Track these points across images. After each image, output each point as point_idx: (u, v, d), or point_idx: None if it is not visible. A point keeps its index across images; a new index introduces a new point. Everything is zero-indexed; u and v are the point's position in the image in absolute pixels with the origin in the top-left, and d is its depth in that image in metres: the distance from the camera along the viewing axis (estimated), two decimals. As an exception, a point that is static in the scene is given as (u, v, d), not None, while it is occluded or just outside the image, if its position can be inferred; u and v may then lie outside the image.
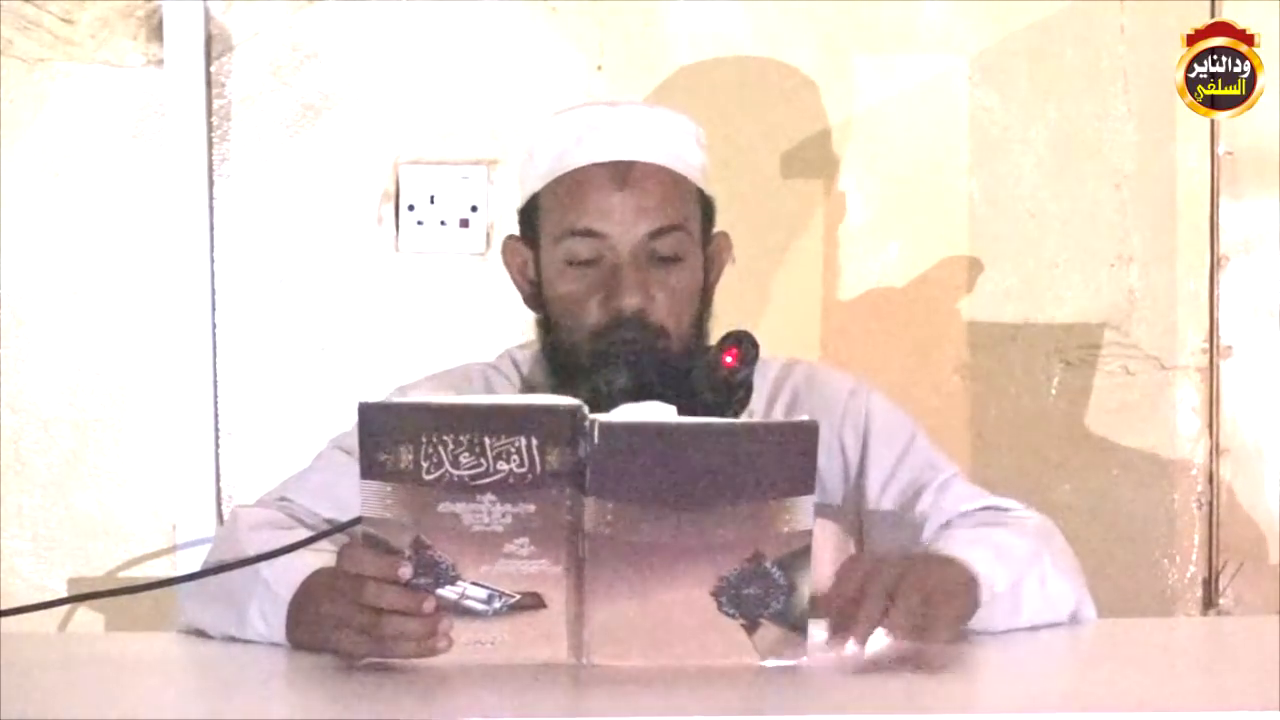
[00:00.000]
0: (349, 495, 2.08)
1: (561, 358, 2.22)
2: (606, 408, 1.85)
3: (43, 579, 2.82)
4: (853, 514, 2.24)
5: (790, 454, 1.78)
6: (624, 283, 2.17)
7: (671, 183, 2.22)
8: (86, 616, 2.72)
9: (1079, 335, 2.89)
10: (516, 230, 2.29)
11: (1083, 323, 2.89)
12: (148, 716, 1.70)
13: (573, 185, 2.21)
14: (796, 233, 2.87)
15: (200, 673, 1.98)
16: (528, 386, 2.29)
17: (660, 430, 1.79)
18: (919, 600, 1.83)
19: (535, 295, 2.26)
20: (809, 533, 1.79)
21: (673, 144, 2.23)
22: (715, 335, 2.22)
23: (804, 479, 1.79)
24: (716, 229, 2.29)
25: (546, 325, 2.25)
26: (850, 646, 1.80)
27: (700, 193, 2.26)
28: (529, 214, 2.26)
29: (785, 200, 2.87)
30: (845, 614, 1.83)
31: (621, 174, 2.20)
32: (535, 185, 2.24)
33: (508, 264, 2.30)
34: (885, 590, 1.83)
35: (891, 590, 1.83)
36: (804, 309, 2.86)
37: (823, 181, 2.88)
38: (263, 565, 1.96)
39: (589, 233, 2.19)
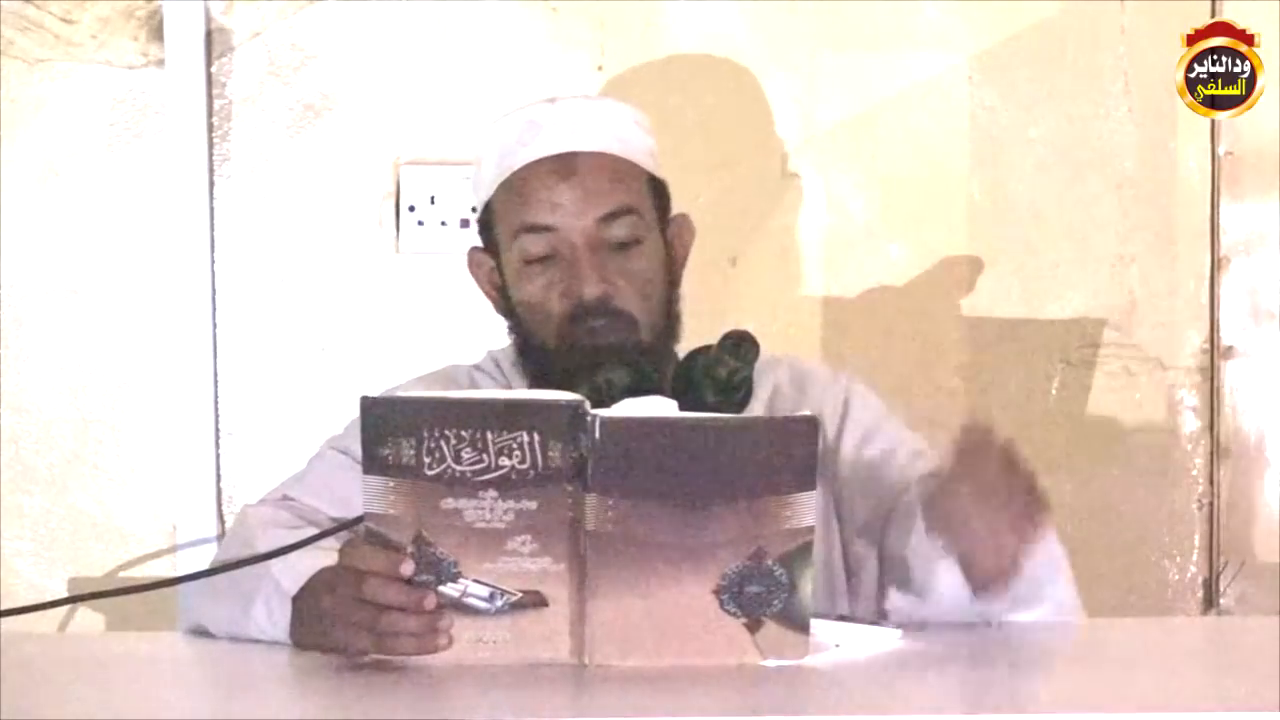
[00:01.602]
0: (350, 493, 2.08)
1: (534, 360, 2.23)
2: (594, 404, 1.85)
3: (43, 579, 2.82)
4: (827, 484, 2.24)
5: (791, 449, 1.78)
6: (582, 272, 2.18)
7: (617, 167, 2.23)
8: (86, 616, 2.72)
9: (1080, 335, 2.89)
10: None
11: (1083, 323, 2.89)
12: (148, 716, 1.69)
13: (519, 184, 2.22)
14: (797, 232, 2.87)
15: (201, 672, 1.98)
16: (509, 387, 2.29)
17: (661, 425, 1.79)
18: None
19: (503, 302, 2.27)
20: (811, 529, 1.79)
21: (615, 131, 2.24)
22: (687, 322, 2.24)
23: (805, 474, 1.78)
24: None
25: (518, 330, 2.26)
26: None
27: (651, 177, 2.27)
28: (486, 222, 2.28)
29: (785, 199, 2.87)
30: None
31: (565, 165, 2.21)
32: (487, 192, 2.26)
33: (475, 275, 2.32)
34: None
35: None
36: (804, 309, 2.86)
37: (823, 181, 2.87)
38: (273, 561, 1.97)
39: (539, 227, 2.20)
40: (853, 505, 2.23)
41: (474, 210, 2.33)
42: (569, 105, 2.27)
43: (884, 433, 2.25)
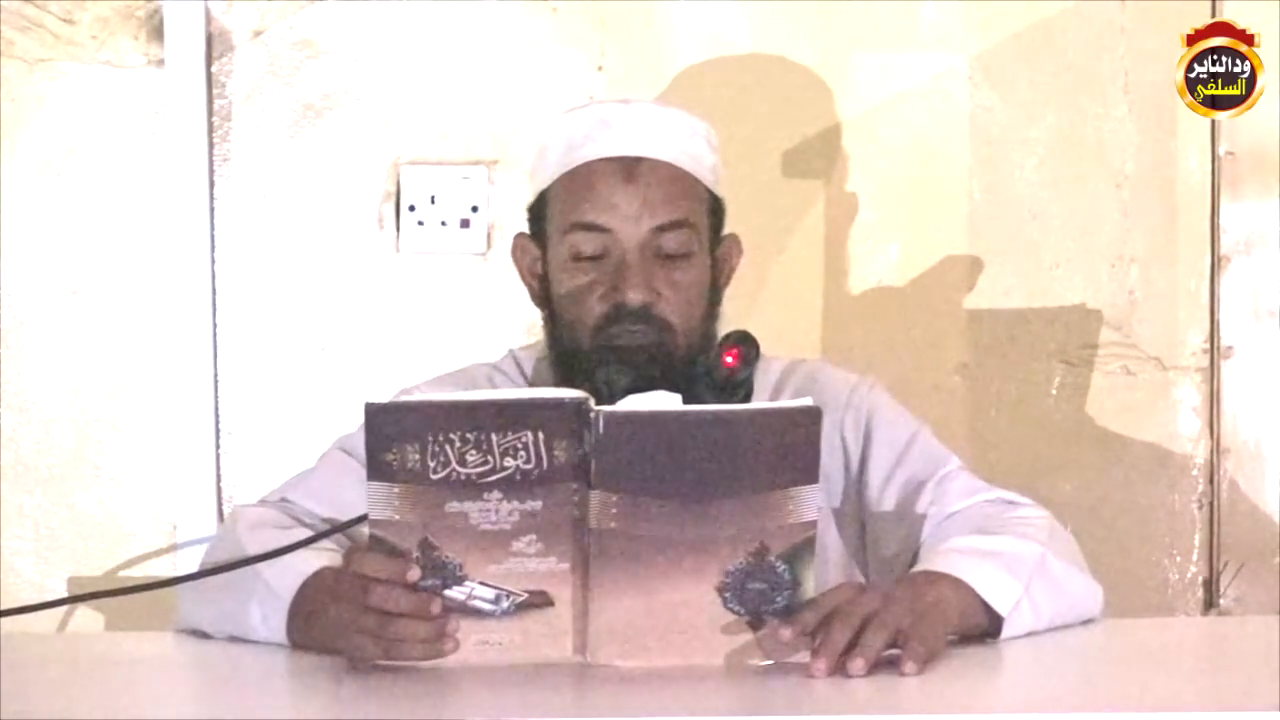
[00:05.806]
0: (349, 496, 2.08)
1: (565, 357, 2.22)
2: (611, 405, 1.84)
3: (43, 579, 2.82)
4: (854, 514, 2.24)
5: (794, 440, 1.78)
6: (629, 277, 2.17)
7: (680, 180, 2.22)
8: (86, 616, 2.72)
9: (1079, 335, 2.89)
10: (525, 228, 2.29)
11: (1083, 322, 2.89)
12: (148, 716, 1.70)
13: (580, 179, 2.21)
14: (797, 232, 2.87)
15: (200, 673, 1.98)
16: (531, 386, 2.29)
17: (663, 419, 1.78)
18: (886, 637, 1.77)
19: (542, 293, 2.26)
20: (813, 524, 1.79)
21: (683, 142, 2.23)
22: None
23: (808, 467, 1.78)
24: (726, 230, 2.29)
25: (551, 323, 2.25)
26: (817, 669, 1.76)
27: (710, 193, 2.26)
28: (538, 210, 2.26)
29: (786, 199, 2.87)
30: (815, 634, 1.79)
31: (629, 169, 2.20)
32: (544, 181, 2.25)
33: (516, 261, 2.30)
34: (858, 620, 1.78)
35: (866, 620, 1.78)
36: (805, 309, 2.86)
37: (823, 181, 2.88)
38: (263, 565, 1.96)
39: (594, 226, 2.19)
40: (880, 540, 2.20)
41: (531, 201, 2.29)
42: (641, 109, 2.25)
43: (910, 457, 2.21)
